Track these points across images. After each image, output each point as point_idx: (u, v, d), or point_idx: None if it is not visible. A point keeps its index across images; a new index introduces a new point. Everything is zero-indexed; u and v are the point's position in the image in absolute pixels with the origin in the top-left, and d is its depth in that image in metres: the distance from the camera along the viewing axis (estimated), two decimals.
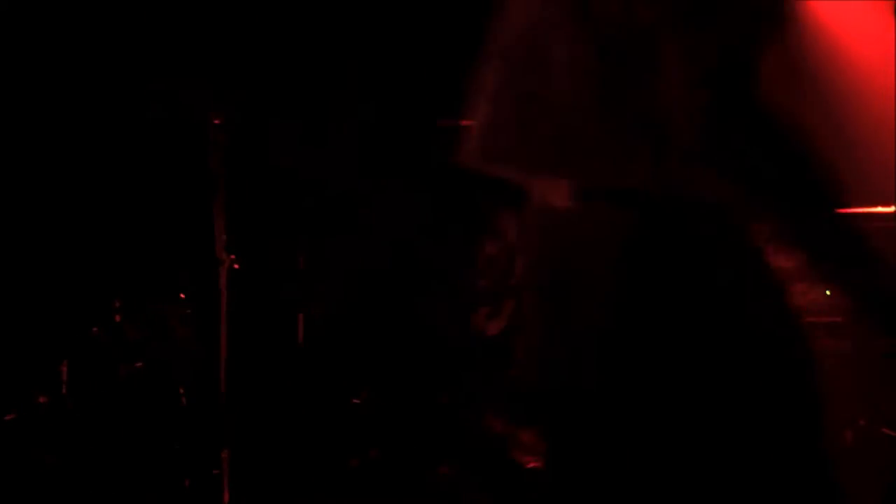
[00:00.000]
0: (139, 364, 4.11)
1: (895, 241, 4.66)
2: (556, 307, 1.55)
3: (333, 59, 5.28)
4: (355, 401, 3.22)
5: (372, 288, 3.07)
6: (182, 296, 4.21)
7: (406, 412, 3.01)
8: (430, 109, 4.86)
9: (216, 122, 3.99)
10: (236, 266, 4.08)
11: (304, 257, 4.03)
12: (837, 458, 1.57)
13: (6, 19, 4.70)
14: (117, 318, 4.14)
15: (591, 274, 1.52)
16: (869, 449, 4.45)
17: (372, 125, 5.16)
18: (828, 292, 4.72)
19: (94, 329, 4.14)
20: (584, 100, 1.54)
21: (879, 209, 4.74)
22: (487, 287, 3.01)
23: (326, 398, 3.55)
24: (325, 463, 3.63)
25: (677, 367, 1.43)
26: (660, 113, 1.53)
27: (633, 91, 1.51)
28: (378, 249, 3.08)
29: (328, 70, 5.26)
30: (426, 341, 2.98)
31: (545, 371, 1.50)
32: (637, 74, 1.51)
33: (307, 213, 4.06)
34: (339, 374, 3.07)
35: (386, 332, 3.01)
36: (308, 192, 4.13)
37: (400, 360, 2.98)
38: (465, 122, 3.11)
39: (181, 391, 4.14)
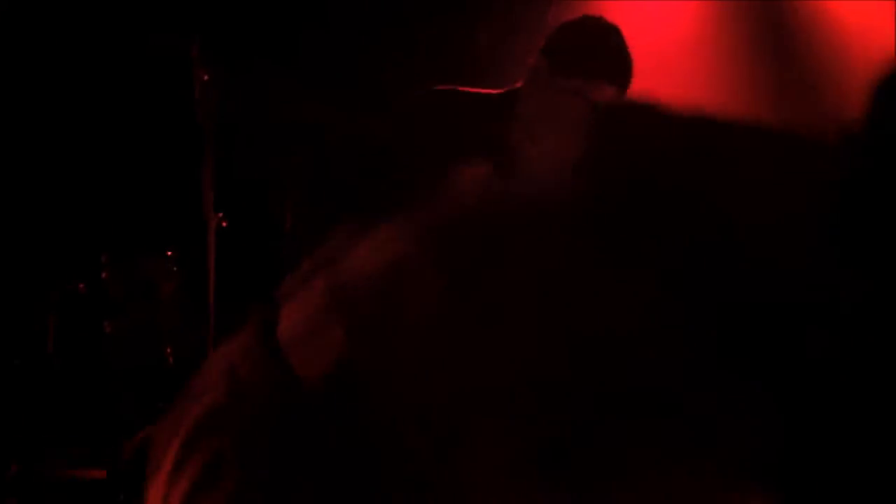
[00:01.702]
0: (125, 321, 4.10)
1: None
2: None
3: (323, 12, 5.25)
4: None
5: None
6: (169, 253, 4.19)
7: None
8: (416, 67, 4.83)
9: (205, 77, 3.96)
10: (224, 223, 4.06)
11: (292, 215, 4.01)
12: None
13: None
14: (104, 274, 4.12)
15: None
16: None
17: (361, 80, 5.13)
18: None
19: (80, 285, 4.12)
20: None
21: None
22: None
23: None
24: None
25: None
26: None
27: None
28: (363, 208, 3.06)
29: (317, 24, 5.23)
30: None
31: None
32: None
33: (295, 170, 4.04)
34: None
35: None
36: (297, 149, 4.11)
37: None
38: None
39: (168, 350, 4.12)
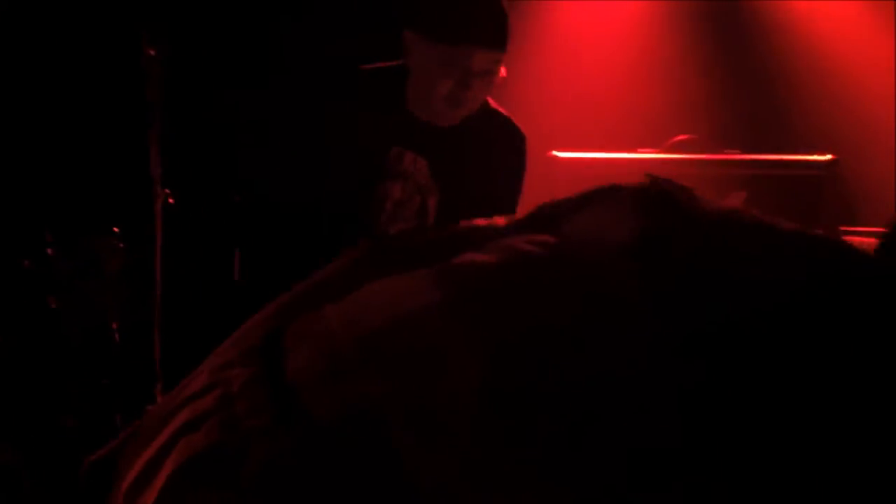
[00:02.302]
0: (70, 298, 4.07)
1: (829, 188, 4.72)
2: None
3: None
4: None
5: (306, 224, 3.05)
6: (115, 230, 4.17)
7: None
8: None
9: (151, 52, 3.93)
10: (171, 200, 4.04)
11: (240, 192, 4.00)
12: None
13: None
14: (49, 251, 4.08)
15: None
16: None
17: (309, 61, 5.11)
18: None
19: (25, 261, 4.09)
20: None
21: (815, 157, 4.78)
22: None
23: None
24: None
25: None
26: None
27: None
28: (313, 187, 3.05)
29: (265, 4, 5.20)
30: None
31: None
32: None
33: (243, 147, 4.03)
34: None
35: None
36: (244, 126, 4.09)
37: None
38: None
39: (114, 326, 4.10)
